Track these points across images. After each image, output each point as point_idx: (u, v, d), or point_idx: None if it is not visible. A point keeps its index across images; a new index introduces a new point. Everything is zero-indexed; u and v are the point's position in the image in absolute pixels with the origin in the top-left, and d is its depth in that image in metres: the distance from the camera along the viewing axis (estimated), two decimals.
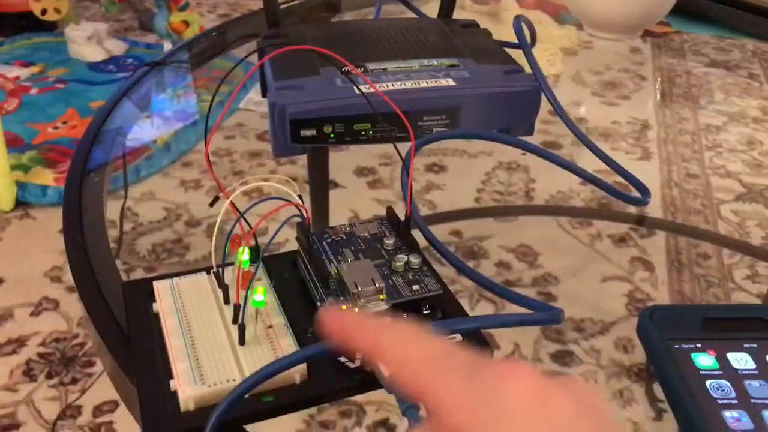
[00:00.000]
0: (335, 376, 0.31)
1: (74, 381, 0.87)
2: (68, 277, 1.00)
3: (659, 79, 1.73)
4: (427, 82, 0.47)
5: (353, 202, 1.13)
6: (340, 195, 1.16)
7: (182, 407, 0.29)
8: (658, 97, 1.64)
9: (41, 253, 1.08)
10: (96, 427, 0.81)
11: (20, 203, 1.18)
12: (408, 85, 0.47)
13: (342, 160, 1.25)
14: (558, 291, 0.96)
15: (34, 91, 1.52)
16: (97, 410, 0.83)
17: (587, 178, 0.43)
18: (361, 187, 1.20)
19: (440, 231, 1.09)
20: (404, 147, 0.40)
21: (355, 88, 0.47)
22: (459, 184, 1.24)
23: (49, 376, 0.88)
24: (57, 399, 0.85)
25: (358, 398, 0.83)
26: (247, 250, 0.33)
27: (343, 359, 0.32)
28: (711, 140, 1.41)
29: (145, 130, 1.26)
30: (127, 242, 1.07)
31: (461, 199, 1.20)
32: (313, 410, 0.81)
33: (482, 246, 1.08)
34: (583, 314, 0.94)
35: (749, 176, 1.28)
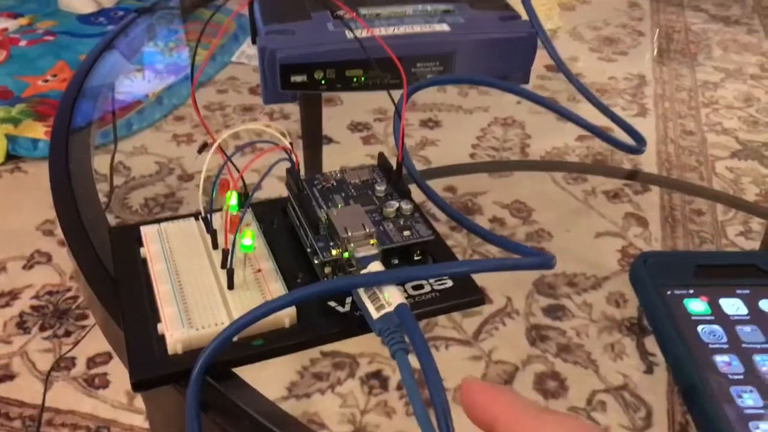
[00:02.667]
0: (325, 320, 0.31)
1: (68, 333, 0.87)
2: (60, 230, 0.99)
3: (657, 34, 1.71)
4: (421, 28, 0.46)
5: (347, 158, 1.12)
6: (334, 150, 1.15)
7: (170, 350, 0.29)
8: (656, 52, 1.62)
9: (33, 206, 1.07)
10: (90, 379, 0.82)
11: (11, 156, 1.17)
12: (401, 30, 0.46)
13: (335, 115, 1.24)
14: (551, 246, 0.96)
15: (22, 43, 1.49)
16: (91, 362, 0.84)
17: (581, 124, 0.43)
18: (355, 143, 1.19)
19: (434, 187, 1.08)
20: (397, 97, 0.39)
21: (347, 32, 0.46)
22: (454, 140, 1.23)
23: (42, 329, 0.88)
24: (51, 351, 0.85)
25: (351, 350, 0.83)
26: (235, 194, 0.33)
27: (332, 303, 0.31)
28: (708, 97, 1.39)
29: (136, 84, 1.24)
30: (120, 197, 1.07)
31: (456, 155, 1.20)
32: (306, 362, 0.82)
33: (476, 202, 1.08)
34: (575, 269, 0.94)
35: (745, 133, 1.27)
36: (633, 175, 1.07)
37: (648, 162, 1.15)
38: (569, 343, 0.85)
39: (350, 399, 0.79)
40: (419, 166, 1.16)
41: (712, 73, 1.48)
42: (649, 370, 0.82)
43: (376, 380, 0.81)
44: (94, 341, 0.86)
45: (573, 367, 0.83)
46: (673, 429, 0.79)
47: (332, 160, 1.11)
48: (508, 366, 0.84)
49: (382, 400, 0.79)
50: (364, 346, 0.87)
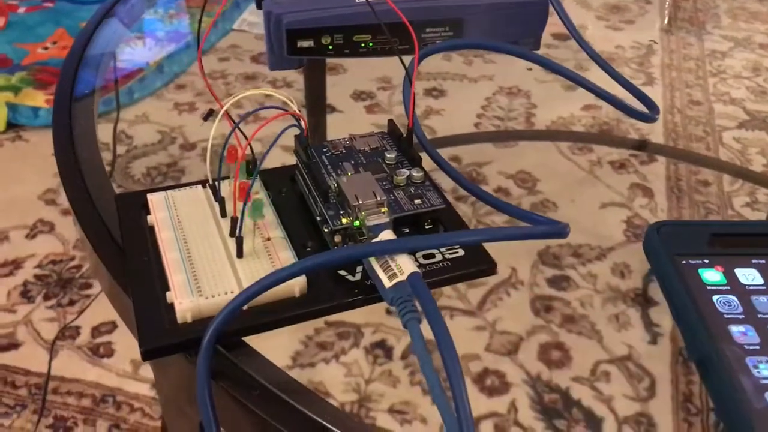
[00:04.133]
0: (335, 289, 0.30)
1: (72, 303, 0.87)
2: (63, 200, 0.99)
3: (668, 1, 1.69)
4: None
5: (351, 127, 1.11)
6: (338, 119, 1.14)
7: (179, 319, 0.29)
8: (666, 21, 1.60)
9: (35, 175, 1.06)
10: (95, 347, 0.82)
11: (12, 125, 1.16)
12: None
13: (339, 84, 1.23)
14: (556, 216, 0.95)
15: (21, 10, 1.47)
16: (96, 331, 0.84)
17: (595, 90, 0.42)
18: (359, 112, 1.18)
19: None
20: (407, 62, 0.38)
21: None
22: (459, 109, 1.22)
23: (46, 298, 0.88)
24: (55, 320, 0.85)
25: (356, 320, 0.83)
26: (243, 161, 0.32)
27: (343, 272, 0.31)
28: (716, 66, 1.38)
29: (137, 52, 1.23)
30: (122, 166, 1.06)
31: (461, 125, 1.19)
32: (310, 331, 0.82)
33: (481, 172, 1.07)
34: (581, 240, 0.94)
35: (753, 103, 1.26)
36: (642, 145, 1.06)
37: (655, 132, 1.14)
38: (574, 313, 0.85)
39: (355, 368, 0.79)
40: None
41: (720, 42, 1.47)
42: (654, 341, 0.81)
43: (381, 350, 0.81)
44: (99, 310, 0.86)
45: (577, 337, 0.83)
46: (677, 399, 0.79)
47: (336, 130, 1.10)
48: (512, 336, 0.84)
49: (387, 369, 0.79)
50: (369, 315, 0.86)
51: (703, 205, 1.02)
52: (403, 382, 0.78)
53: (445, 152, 1.14)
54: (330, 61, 1.02)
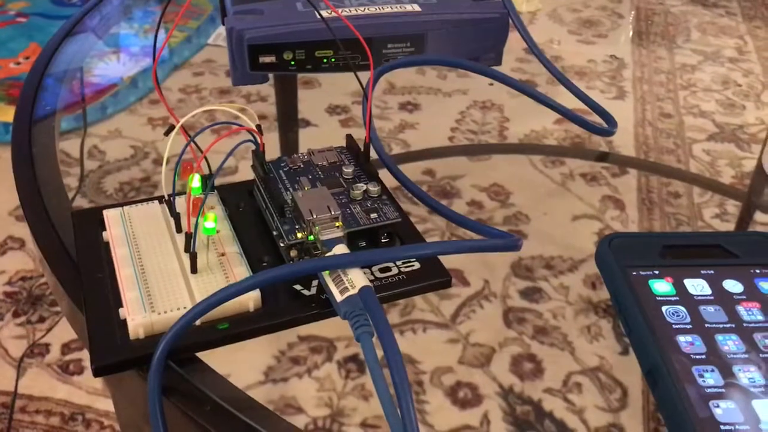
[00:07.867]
0: (290, 304, 0.31)
1: (41, 320, 0.86)
2: None
3: (633, 14, 1.71)
4: (391, 8, 0.46)
5: (325, 141, 1.11)
6: (311, 133, 1.14)
7: (131, 335, 0.29)
8: (631, 33, 1.62)
9: (5, 191, 1.05)
10: (64, 365, 0.81)
11: None
12: (372, 10, 0.46)
13: (313, 98, 1.23)
14: (529, 229, 0.96)
15: None
16: (66, 348, 0.83)
17: (552, 106, 0.43)
18: (333, 125, 1.18)
19: (413, 170, 1.07)
20: (366, 79, 0.39)
21: (316, 12, 0.45)
22: (433, 123, 1.22)
23: (15, 315, 0.87)
24: (24, 337, 0.84)
25: (329, 334, 0.83)
26: (198, 176, 0.32)
27: (298, 287, 0.31)
28: (686, 80, 1.40)
29: (111, 67, 1.22)
30: (94, 181, 1.05)
31: (435, 138, 1.19)
32: (283, 346, 0.82)
33: (455, 185, 1.08)
34: (553, 252, 0.94)
35: (722, 116, 1.28)
36: (603, 156, 1.07)
37: (626, 145, 1.15)
38: (546, 325, 0.85)
39: (327, 383, 0.79)
40: (398, 150, 1.15)
41: (690, 55, 1.49)
42: (625, 352, 0.82)
43: (354, 364, 0.81)
44: (69, 327, 0.85)
45: (549, 348, 0.83)
46: (647, 409, 0.80)
47: (309, 144, 1.10)
48: (485, 348, 0.84)
49: (359, 383, 0.79)
50: (341, 330, 0.86)
51: (673, 217, 1.03)
52: (376, 396, 0.78)
53: (419, 166, 1.14)
54: (303, 75, 1.02)
